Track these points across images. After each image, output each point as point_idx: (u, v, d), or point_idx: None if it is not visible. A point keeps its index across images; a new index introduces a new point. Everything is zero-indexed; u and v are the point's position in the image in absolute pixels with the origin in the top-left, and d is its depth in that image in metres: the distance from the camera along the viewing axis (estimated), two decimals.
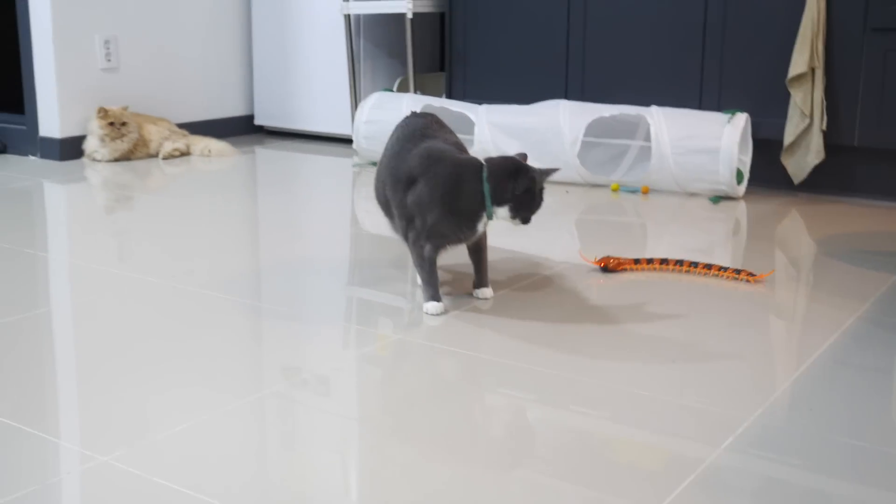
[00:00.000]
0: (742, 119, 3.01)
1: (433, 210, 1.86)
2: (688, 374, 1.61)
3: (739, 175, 3.03)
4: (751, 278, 2.14)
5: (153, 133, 3.85)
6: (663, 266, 2.23)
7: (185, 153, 3.88)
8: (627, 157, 3.40)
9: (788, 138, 3.04)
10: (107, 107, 3.71)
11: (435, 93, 3.99)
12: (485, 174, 1.86)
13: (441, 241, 1.90)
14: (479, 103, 3.54)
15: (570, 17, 3.53)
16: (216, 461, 1.28)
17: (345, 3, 3.97)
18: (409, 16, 3.82)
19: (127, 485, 1.21)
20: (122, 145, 3.72)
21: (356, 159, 3.76)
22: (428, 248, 1.90)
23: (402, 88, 4.09)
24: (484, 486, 1.22)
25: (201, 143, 3.90)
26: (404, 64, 4.21)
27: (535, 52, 3.64)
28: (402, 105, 3.52)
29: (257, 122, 4.50)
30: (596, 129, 3.34)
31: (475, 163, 1.88)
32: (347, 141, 4.13)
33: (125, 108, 3.75)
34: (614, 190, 3.19)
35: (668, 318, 1.90)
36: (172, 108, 4.15)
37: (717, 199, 3.03)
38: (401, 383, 1.57)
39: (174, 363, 1.64)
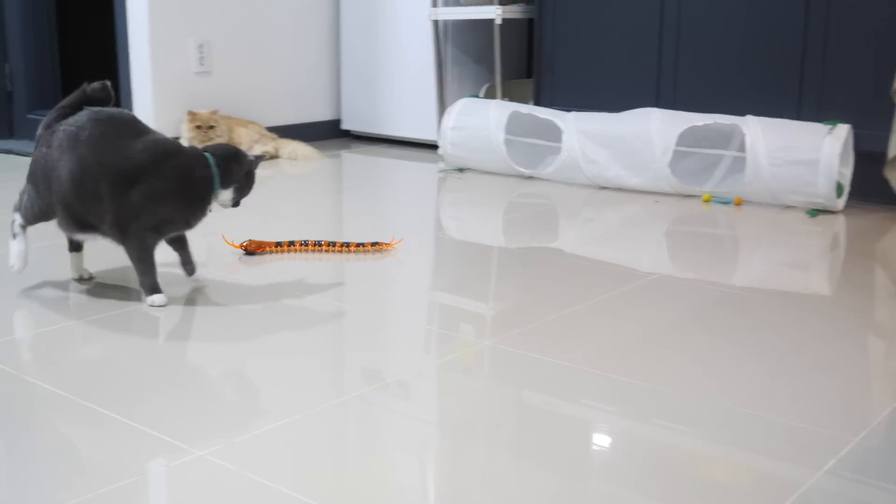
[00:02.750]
0: (844, 130, 2.90)
1: (168, 201, 1.93)
2: (786, 391, 1.54)
3: (839, 188, 2.92)
4: (380, 246, 2.39)
5: (243, 136, 3.90)
6: (302, 248, 2.39)
7: (273, 156, 3.92)
8: (720, 168, 3.32)
9: (893, 151, 2.92)
10: (195, 110, 3.77)
11: (521, 99, 3.96)
12: (212, 160, 1.97)
13: (168, 230, 1.99)
14: (568, 111, 3.49)
15: (662, 23, 3.46)
16: (304, 460, 1.27)
17: (433, 9, 3.96)
18: (498, 22, 3.79)
19: (221, 479, 1.22)
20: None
21: (442, 165, 3.75)
22: (152, 239, 1.96)
23: (489, 95, 4.07)
24: (561, 496, 1.19)
25: (289, 147, 3.94)
26: (491, 70, 4.19)
27: (625, 59, 3.58)
28: (488, 111, 3.50)
29: (344, 126, 4.52)
30: (688, 138, 3.27)
31: (199, 151, 2.00)
32: (433, 147, 4.12)
33: (215, 112, 3.80)
34: (706, 201, 3.11)
35: (764, 333, 1.83)
36: (262, 111, 4.20)
37: (815, 212, 2.93)
38: (482, 390, 1.54)
39: (262, 361, 1.64)
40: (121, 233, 1.92)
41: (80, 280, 2.14)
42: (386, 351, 1.73)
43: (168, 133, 3.83)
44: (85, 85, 2.00)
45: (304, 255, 2.36)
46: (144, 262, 1.95)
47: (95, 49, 5.11)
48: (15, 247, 2.06)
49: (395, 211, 2.98)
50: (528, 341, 1.76)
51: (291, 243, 2.38)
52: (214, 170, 1.96)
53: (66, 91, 4.54)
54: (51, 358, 1.67)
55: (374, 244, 2.40)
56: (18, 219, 2.05)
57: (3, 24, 4.32)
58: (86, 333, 1.79)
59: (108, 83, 2.03)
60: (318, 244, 2.39)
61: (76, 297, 2.03)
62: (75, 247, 2.12)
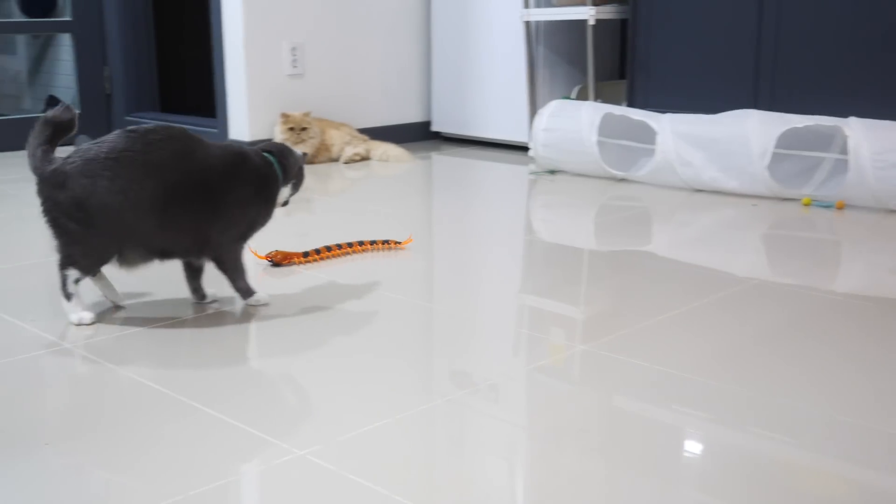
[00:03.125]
0: None
1: (252, 205, 1.91)
2: (890, 400, 1.49)
3: None
4: (391, 245, 2.43)
5: (335, 137, 3.94)
6: (328, 254, 2.34)
7: (364, 158, 3.95)
8: (821, 171, 3.23)
9: None
10: (288, 112, 3.82)
11: (613, 101, 3.91)
12: (273, 158, 1.94)
13: (252, 234, 1.96)
14: (662, 112, 3.44)
15: (761, 22, 3.38)
16: (399, 461, 1.28)
17: (525, 10, 3.95)
18: (591, 23, 3.76)
19: (320, 478, 1.23)
20: (306, 149, 3.82)
21: (533, 167, 3.73)
22: (241, 246, 1.94)
23: (581, 96, 4.03)
24: (651, 503, 1.16)
25: (380, 149, 3.97)
26: (583, 71, 4.15)
27: (722, 60, 3.51)
28: (581, 113, 3.47)
29: (434, 128, 4.54)
30: (787, 140, 3.19)
31: (260, 151, 1.95)
32: (523, 148, 4.11)
33: (307, 114, 3.85)
34: (805, 204, 3.03)
35: (867, 341, 1.77)
36: (353, 113, 4.24)
37: None
38: (573, 394, 1.52)
39: (355, 364, 1.65)
40: (211, 247, 1.87)
41: (116, 308, 1.97)
42: (477, 354, 1.72)
43: (261, 135, 3.91)
44: (45, 114, 1.82)
45: (333, 261, 2.33)
46: (238, 269, 1.94)
47: (191, 52, 5.24)
48: (75, 306, 1.84)
49: (485, 213, 2.98)
50: (621, 346, 1.74)
51: (317, 251, 2.33)
52: (277, 167, 1.95)
53: (163, 94, 4.70)
54: (147, 357, 1.71)
55: (384, 242, 2.43)
56: (73, 273, 1.81)
57: (102, 29, 4.45)
58: (174, 336, 1.83)
59: (69, 105, 1.86)
60: (339, 247, 2.37)
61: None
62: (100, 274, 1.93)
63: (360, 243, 2.40)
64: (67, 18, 4.41)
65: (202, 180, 1.81)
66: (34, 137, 1.80)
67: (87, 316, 1.85)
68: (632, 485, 1.22)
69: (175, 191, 1.77)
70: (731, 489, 1.21)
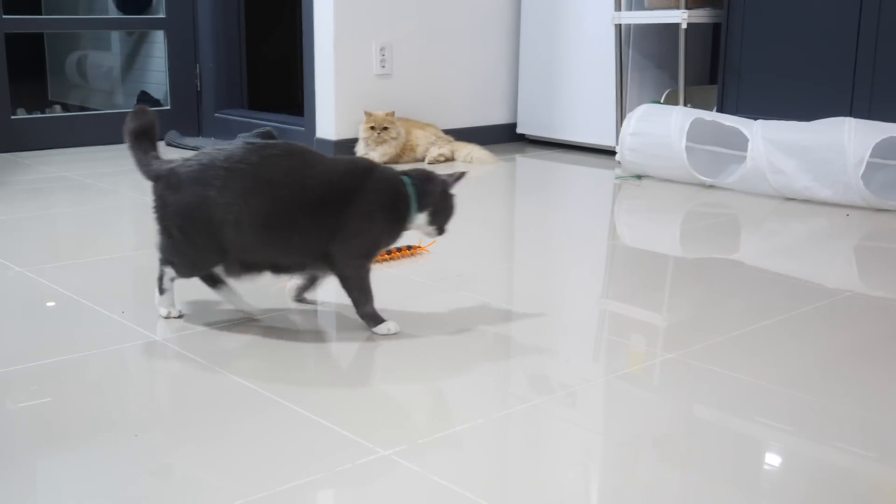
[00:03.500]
0: None
1: (376, 221, 1.81)
2: None
3: None
4: (415, 250, 2.38)
5: (420, 138, 3.96)
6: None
7: (449, 159, 3.97)
8: None
9: None
10: (371, 111, 3.85)
11: (703, 106, 3.86)
12: (409, 181, 1.83)
13: (376, 253, 1.88)
14: (753, 118, 3.38)
15: (860, 28, 3.30)
16: (479, 464, 1.28)
17: (617, 13, 3.91)
18: (684, 26, 3.71)
19: (404, 478, 1.24)
20: (389, 149, 3.85)
21: (619, 171, 3.70)
22: (367, 264, 1.83)
23: (670, 101, 3.98)
24: None
25: (465, 150, 3.97)
26: (672, 76, 4.10)
27: (816, 66, 3.43)
28: (670, 118, 3.43)
29: (519, 130, 4.53)
30: (883, 149, 3.10)
31: (394, 170, 1.87)
32: (609, 152, 4.07)
33: (390, 114, 3.87)
34: None
35: None
36: (439, 113, 4.26)
37: None
38: (653, 402, 1.50)
39: (436, 363, 1.66)
40: (332, 263, 1.79)
41: (178, 316, 1.91)
42: (557, 359, 1.72)
43: (347, 134, 3.95)
44: (126, 126, 1.84)
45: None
46: (365, 291, 1.82)
47: (280, 51, 5.32)
48: (166, 300, 1.88)
49: (569, 216, 2.96)
50: (704, 356, 1.71)
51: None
52: (412, 189, 1.83)
53: (252, 92, 4.78)
54: (235, 352, 1.74)
55: (409, 248, 2.38)
56: (170, 272, 1.85)
57: (195, 26, 4.55)
58: (262, 333, 1.86)
59: (141, 107, 1.88)
60: (398, 250, 2.35)
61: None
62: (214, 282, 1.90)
63: (409, 248, 2.38)
64: (161, 16, 4.52)
65: (318, 197, 1.74)
66: (133, 150, 1.83)
67: (175, 310, 1.89)
68: (709, 496, 1.20)
69: (284, 208, 1.72)
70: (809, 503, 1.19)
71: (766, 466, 1.31)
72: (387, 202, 1.81)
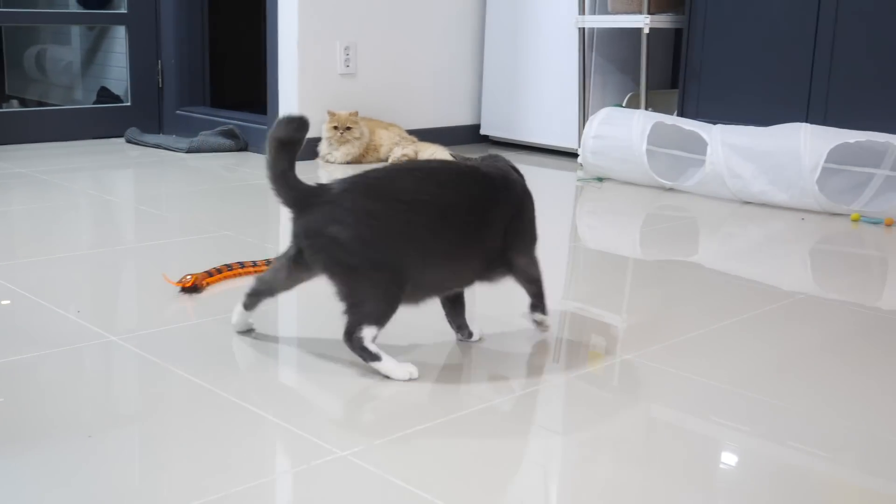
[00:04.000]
0: None
1: (534, 213, 1.80)
2: None
3: None
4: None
5: (384, 138, 3.96)
6: (232, 273, 2.12)
7: (412, 159, 3.97)
8: (871, 187, 3.19)
9: None
10: (334, 111, 3.85)
11: (664, 110, 3.90)
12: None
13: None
14: (713, 123, 3.42)
15: (817, 35, 3.35)
16: (436, 465, 1.29)
17: (580, 17, 3.94)
18: (646, 31, 3.74)
19: (361, 479, 1.24)
20: (353, 149, 3.84)
21: (581, 173, 3.72)
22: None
23: (632, 104, 4.02)
24: None
25: (428, 150, 3.98)
26: (634, 80, 4.14)
27: (775, 73, 3.48)
28: (631, 121, 3.46)
29: (483, 131, 4.55)
30: (838, 154, 3.15)
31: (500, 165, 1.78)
32: (572, 154, 4.10)
33: (354, 113, 3.87)
34: (854, 220, 2.99)
35: None
36: (403, 114, 4.26)
37: None
38: (612, 403, 1.52)
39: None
40: (514, 265, 1.73)
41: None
42: (518, 360, 1.73)
43: (311, 133, 3.94)
44: (273, 134, 1.59)
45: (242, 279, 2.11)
46: (541, 284, 1.78)
47: (244, 48, 5.30)
48: (392, 360, 1.60)
49: None
50: (663, 357, 1.74)
51: (219, 270, 2.12)
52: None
53: (215, 89, 4.75)
54: (191, 352, 1.73)
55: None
56: (371, 332, 1.57)
57: (157, 22, 4.51)
58: (220, 328, 1.86)
59: (289, 116, 1.61)
60: (241, 265, 2.16)
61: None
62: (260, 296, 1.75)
63: (267, 262, 2.14)
64: (123, 11, 4.48)
65: (512, 199, 1.71)
66: (273, 164, 1.59)
67: (413, 369, 1.60)
68: (667, 496, 1.22)
69: (490, 212, 1.64)
70: (766, 502, 1.21)
71: (722, 466, 1.33)
72: (529, 195, 1.79)
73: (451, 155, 1.90)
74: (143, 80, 4.53)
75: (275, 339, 1.78)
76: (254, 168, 3.74)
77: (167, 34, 4.51)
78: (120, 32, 4.69)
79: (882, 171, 3.17)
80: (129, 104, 4.51)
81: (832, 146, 3.02)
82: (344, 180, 1.61)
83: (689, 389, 1.59)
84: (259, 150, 4.12)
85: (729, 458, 1.35)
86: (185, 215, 2.82)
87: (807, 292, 2.19)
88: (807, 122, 3.29)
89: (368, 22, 4.08)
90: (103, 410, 1.45)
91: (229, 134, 4.16)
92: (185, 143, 4.09)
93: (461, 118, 4.53)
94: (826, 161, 3.05)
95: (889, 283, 2.34)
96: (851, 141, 3.03)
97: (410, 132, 4.15)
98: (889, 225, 2.93)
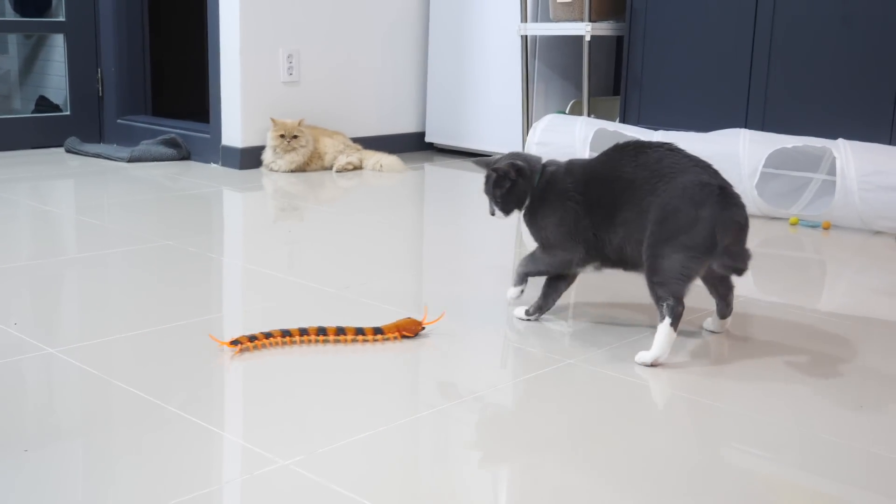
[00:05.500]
0: None
1: None
2: (872, 419, 1.50)
3: None
4: (411, 328, 1.84)
5: (328, 146, 3.95)
6: (304, 338, 1.79)
7: (357, 167, 3.96)
8: (809, 191, 3.25)
9: None
10: (280, 119, 3.83)
11: (608, 117, 3.94)
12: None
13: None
14: (654, 129, 3.46)
15: (754, 43, 3.41)
16: (383, 472, 1.28)
17: (523, 25, 3.97)
18: (587, 38, 3.78)
19: (303, 489, 1.23)
20: (297, 157, 3.83)
21: None
22: None
23: (575, 111, 4.05)
24: None
25: (373, 158, 3.98)
26: (577, 86, 4.18)
27: (714, 78, 3.54)
28: (574, 128, 3.49)
29: (428, 139, 4.55)
30: (776, 160, 3.21)
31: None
32: None
33: (300, 122, 3.85)
34: (793, 224, 3.05)
35: (851, 360, 1.79)
36: (348, 122, 4.25)
37: None
38: (560, 406, 1.53)
39: (341, 374, 1.66)
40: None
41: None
42: (464, 366, 1.73)
43: (254, 142, 3.91)
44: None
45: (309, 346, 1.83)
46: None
47: (186, 57, 5.25)
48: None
49: (476, 224, 2.99)
50: (609, 360, 1.75)
51: (286, 333, 1.79)
52: None
53: (157, 97, 4.70)
54: (132, 364, 1.71)
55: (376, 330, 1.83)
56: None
57: (97, 30, 4.45)
58: (162, 338, 1.84)
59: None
60: (321, 332, 1.80)
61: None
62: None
63: (360, 331, 1.82)
64: (61, 19, 4.41)
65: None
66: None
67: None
68: (614, 498, 1.23)
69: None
70: (711, 503, 1.23)
71: (669, 468, 1.34)
72: None
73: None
74: (83, 89, 4.46)
75: (217, 351, 1.76)
76: (196, 177, 3.70)
77: (107, 42, 4.45)
78: (58, 41, 4.61)
79: (819, 175, 3.24)
80: (68, 113, 4.44)
81: (770, 151, 3.08)
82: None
83: (633, 392, 1.61)
84: (202, 159, 4.08)
85: (675, 461, 1.36)
86: (127, 226, 2.78)
87: (747, 295, 2.22)
88: (746, 127, 3.34)
89: (311, 29, 4.06)
90: (41, 424, 1.42)
91: (172, 143, 4.11)
92: (126, 152, 4.04)
93: (406, 126, 4.53)
94: (765, 166, 3.11)
95: (827, 285, 2.39)
96: (789, 146, 3.09)
97: (355, 140, 4.14)
98: (826, 228, 2.99)
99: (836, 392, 1.63)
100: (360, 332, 1.81)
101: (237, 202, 3.32)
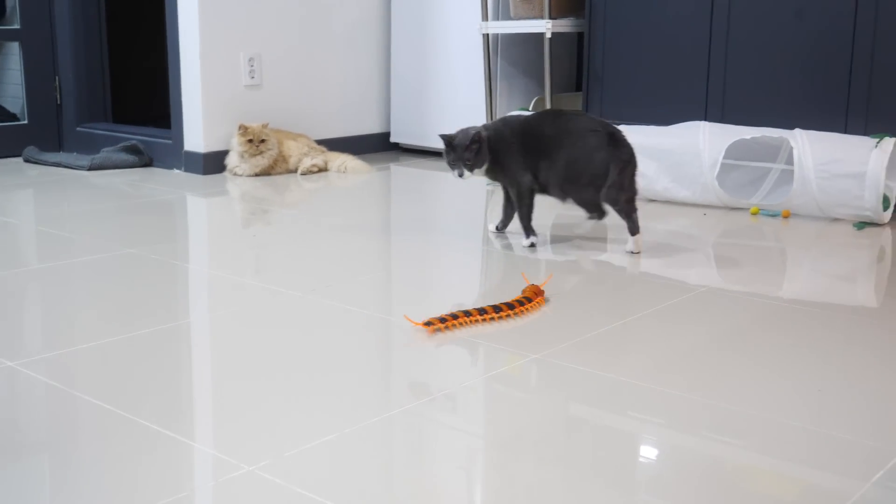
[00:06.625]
0: (890, 144, 2.87)
1: None
2: (833, 403, 1.53)
3: (886, 201, 2.89)
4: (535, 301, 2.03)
5: (293, 149, 3.94)
6: (483, 317, 1.94)
7: (322, 169, 3.96)
8: (768, 181, 3.30)
9: None
10: (247, 124, 3.82)
11: None
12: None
13: None
14: (616, 124, 3.48)
15: (711, 37, 3.45)
16: (353, 474, 1.28)
17: (484, 23, 3.98)
18: (548, 36, 3.80)
19: (270, 494, 1.23)
20: (262, 161, 3.82)
21: None
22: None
23: (538, 108, 4.07)
24: None
25: (338, 160, 3.97)
26: (540, 84, 4.20)
27: (674, 73, 3.57)
28: None
29: (393, 139, 4.56)
30: (736, 151, 3.25)
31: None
32: None
33: (265, 125, 3.84)
34: (754, 213, 3.09)
35: (812, 345, 1.82)
36: (312, 124, 4.25)
37: (862, 225, 2.90)
38: (530, 403, 1.54)
39: (310, 377, 1.66)
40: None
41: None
42: (434, 364, 1.74)
43: (217, 146, 3.90)
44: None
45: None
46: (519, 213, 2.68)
47: (146, 63, 5.21)
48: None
49: (443, 223, 3.00)
50: (576, 355, 1.77)
51: (468, 314, 1.94)
52: None
53: (117, 104, 4.66)
54: (93, 373, 1.70)
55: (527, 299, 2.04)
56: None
57: (53, 38, 4.41)
58: (126, 348, 1.83)
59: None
60: (497, 310, 1.97)
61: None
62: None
63: (510, 305, 2.00)
64: (16, 27, 4.36)
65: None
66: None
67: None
68: (588, 492, 1.25)
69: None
70: (685, 492, 1.24)
71: (640, 459, 1.36)
72: None
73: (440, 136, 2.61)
74: (41, 97, 4.42)
75: (179, 356, 1.76)
76: (159, 184, 3.68)
77: (64, 49, 4.41)
78: (14, 49, 4.56)
79: (778, 165, 3.28)
80: (25, 122, 4.40)
81: (730, 143, 3.11)
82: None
83: (603, 385, 1.62)
84: (164, 166, 4.06)
85: (647, 452, 1.38)
86: (89, 235, 2.76)
87: (710, 285, 2.25)
88: (705, 120, 3.38)
89: (272, 32, 4.05)
90: (6, 439, 1.41)
91: (133, 150, 4.09)
92: (86, 160, 4.01)
93: (370, 127, 4.53)
94: (725, 157, 3.14)
95: (788, 274, 2.42)
96: (748, 137, 3.12)
97: (319, 142, 4.13)
98: (786, 217, 3.04)
99: (798, 377, 1.66)
100: (518, 303, 2.01)
101: (201, 208, 3.31)
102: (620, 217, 2.54)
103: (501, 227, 2.78)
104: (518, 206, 2.63)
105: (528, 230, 2.63)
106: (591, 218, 2.64)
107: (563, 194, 2.56)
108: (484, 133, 2.53)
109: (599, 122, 2.55)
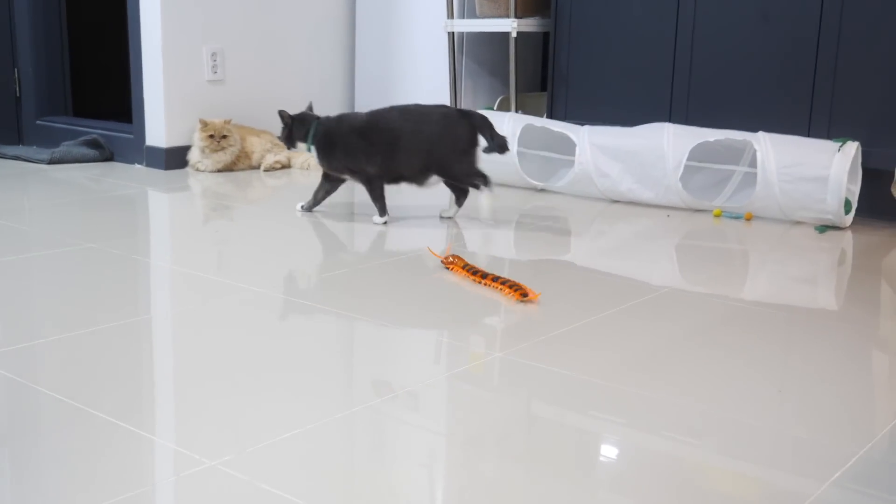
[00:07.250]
0: (853, 148, 2.91)
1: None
2: (793, 404, 1.55)
3: (847, 205, 2.93)
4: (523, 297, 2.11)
5: (255, 145, 3.91)
6: (485, 281, 2.22)
7: (285, 166, 3.94)
8: (731, 183, 3.32)
9: None
10: (208, 119, 3.78)
11: (536, 112, 3.97)
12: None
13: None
14: (581, 124, 3.50)
15: (677, 39, 3.47)
16: (315, 470, 1.28)
17: (449, 21, 3.98)
18: (514, 35, 3.81)
19: (233, 489, 1.22)
20: (225, 157, 3.79)
21: None
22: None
23: (503, 107, 4.08)
24: None
25: (302, 157, 3.95)
26: (505, 83, 4.20)
27: (639, 75, 3.59)
28: (502, 124, 3.51)
29: None
30: (699, 153, 3.28)
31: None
32: None
33: (228, 121, 3.81)
34: (717, 216, 3.12)
35: (772, 347, 1.83)
36: (275, 120, 4.21)
37: (824, 228, 2.93)
38: (493, 401, 1.54)
39: (272, 373, 1.65)
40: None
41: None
42: (397, 362, 1.73)
43: (179, 142, 3.86)
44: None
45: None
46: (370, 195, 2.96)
47: (108, 56, 5.15)
48: None
49: (408, 222, 2.99)
50: (538, 353, 1.77)
51: (475, 272, 2.25)
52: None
53: (78, 98, 4.60)
54: (51, 366, 1.68)
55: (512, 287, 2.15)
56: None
57: (12, 30, 4.35)
58: (87, 343, 1.81)
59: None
60: (484, 276, 2.23)
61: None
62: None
63: (496, 279, 2.19)
64: None
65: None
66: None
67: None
68: (550, 490, 1.25)
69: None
70: (646, 491, 1.25)
71: (602, 458, 1.36)
72: None
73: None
74: None
75: (140, 351, 1.74)
76: (120, 179, 3.64)
77: (23, 41, 4.35)
78: None
79: (741, 167, 3.31)
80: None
81: (694, 145, 3.13)
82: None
83: (566, 384, 1.62)
84: (126, 160, 4.01)
85: (608, 451, 1.38)
86: (48, 229, 2.72)
87: (673, 286, 2.26)
88: (670, 122, 3.40)
89: (235, 27, 4.02)
90: None
91: (93, 144, 4.04)
92: (46, 154, 3.95)
93: None
94: (688, 159, 3.16)
95: (750, 275, 2.45)
96: (711, 139, 3.15)
97: None
98: (749, 219, 3.06)
99: (758, 377, 1.67)
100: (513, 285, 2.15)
101: (163, 203, 3.27)
102: (464, 184, 2.93)
103: (308, 208, 3.05)
104: (369, 191, 2.89)
105: (383, 210, 2.90)
106: (460, 202, 2.98)
107: (426, 177, 2.87)
108: (293, 116, 2.97)
109: (442, 105, 2.88)
